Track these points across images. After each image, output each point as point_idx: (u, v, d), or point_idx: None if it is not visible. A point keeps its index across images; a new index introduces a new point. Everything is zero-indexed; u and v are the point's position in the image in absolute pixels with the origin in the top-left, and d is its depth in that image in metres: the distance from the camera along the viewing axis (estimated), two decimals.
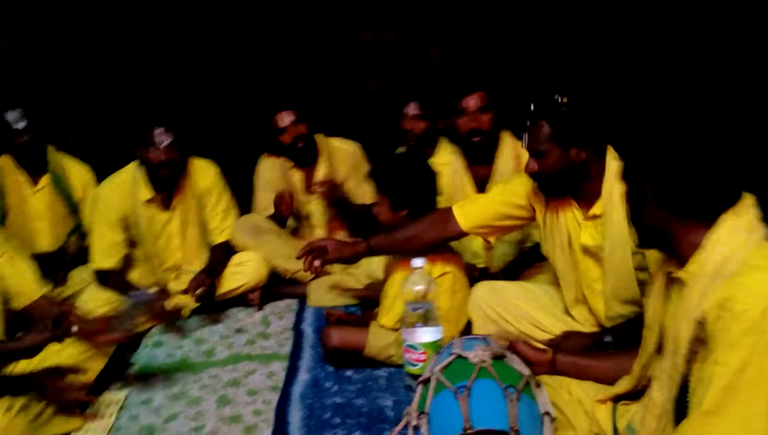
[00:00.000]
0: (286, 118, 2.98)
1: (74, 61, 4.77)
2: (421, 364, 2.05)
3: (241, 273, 2.88)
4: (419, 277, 2.06)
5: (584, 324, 2.07)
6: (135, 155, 2.71)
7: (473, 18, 4.98)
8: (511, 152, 2.63)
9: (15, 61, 4.82)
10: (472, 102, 2.54)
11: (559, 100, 1.83)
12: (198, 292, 2.63)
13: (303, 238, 3.15)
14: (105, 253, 2.73)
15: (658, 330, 1.44)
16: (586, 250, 1.98)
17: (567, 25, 4.49)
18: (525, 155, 2.52)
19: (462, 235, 2.17)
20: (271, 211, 3.12)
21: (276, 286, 3.01)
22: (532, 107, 1.89)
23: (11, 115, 2.74)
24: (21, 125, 2.76)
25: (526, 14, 4.71)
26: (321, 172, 3.12)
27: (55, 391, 1.95)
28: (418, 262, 2.06)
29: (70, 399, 1.97)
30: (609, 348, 1.92)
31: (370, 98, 5.30)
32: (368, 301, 2.72)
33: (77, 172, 3.03)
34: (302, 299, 2.98)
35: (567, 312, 2.11)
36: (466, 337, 1.94)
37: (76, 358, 2.19)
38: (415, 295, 2.06)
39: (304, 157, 3.10)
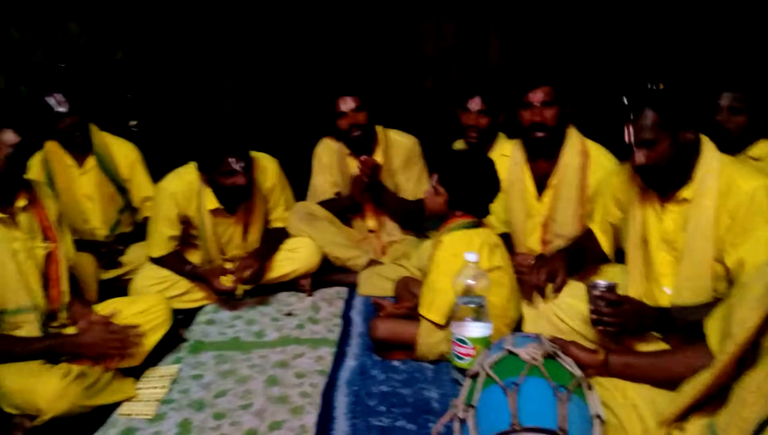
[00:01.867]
0: (348, 103, 3.00)
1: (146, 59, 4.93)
2: (469, 359, 2.05)
3: (294, 259, 2.92)
4: (472, 271, 2.05)
5: None
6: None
7: (535, 11, 4.92)
8: (578, 148, 2.57)
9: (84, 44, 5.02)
10: (537, 96, 2.51)
11: (655, 86, 1.82)
12: (246, 274, 2.67)
13: (355, 228, 3.17)
14: (161, 245, 2.80)
15: (746, 342, 1.32)
16: (664, 240, 1.97)
17: (630, 16, 4.41)
18: (593, 151, 2.52)
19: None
20: (328, 194, 3.15)
21: (326, 274, 3.04)
22: (625, 101, 1.87)
23: (52, 100, 2.81)
24: (63, 109, 2.83)
25: (589, 5, 4.64)
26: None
27: (101, 343, 2.05)
28: (471, 256, 2.05)
29: (118, 347, 2.07)
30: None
31: (427, 94, 5.31)
32: None
33: (122, 151, 3.09)
34: (352, 287, 3.01)
35: None
36: (518, 334, 1.93)
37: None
38: (467, 289, 2.05)
39: (361, 146, 3.11)
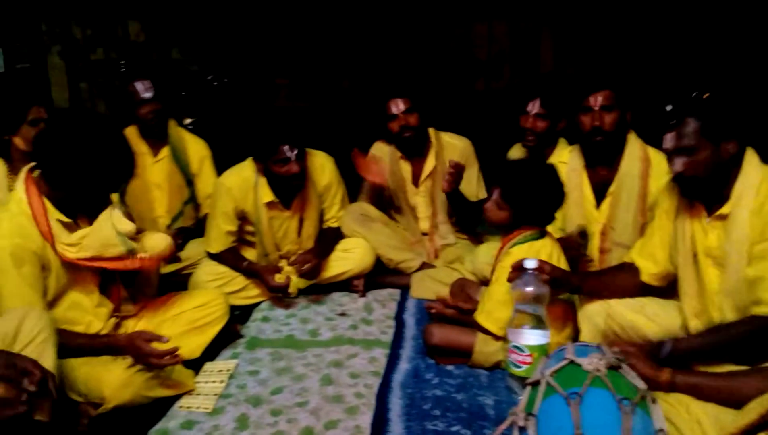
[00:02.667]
0: (399, 106, 3.00)
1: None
2: (525, 367, 2.04)
3: (348, 259, 2.95)
4: (532, 279, 2.03)
5: None
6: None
7: (589, 12, 4.86)
8: (638, 154, 2.52)
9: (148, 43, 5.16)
10: (597, 100, 2.47)
11: (701, 95, 1.78)
12: (304, 268, 2.73)
13: (408, 230, 3.18)
14: (219, 240, 2.87)
15: None
16: (710, 256, 1.92)
17: (689, 19, 4.32)
18: (654, 158, 2.47)
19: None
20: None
21: (380, 275, 3.06)
22: (668, 108, 1.84)
23: (139, 85, 2.90)
24: (148, 96, 2.91)
25: (647, 8, 4.56)
26: (429, 166, 3.13)
27: (138, 355, 2.00)
28: (530, 262, 2.04)
29: (153, 363, 1.99)
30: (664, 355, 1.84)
31: (477, 97, 5.29)
32: None
33: (195, 147, 3.16)
34: (404, 290, 3.02)
35: (685, 327, 2.03)
36: (578, 343, 1.91)
37: (192, 324, 2.33)
38: (526, 296, 2.04)
39: (412, 148, 3.12)
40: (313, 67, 5.30)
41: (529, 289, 2.03)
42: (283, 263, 2.87)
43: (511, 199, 2.24)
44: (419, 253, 3.10)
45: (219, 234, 2.86)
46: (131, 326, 2.27)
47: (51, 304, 2.01)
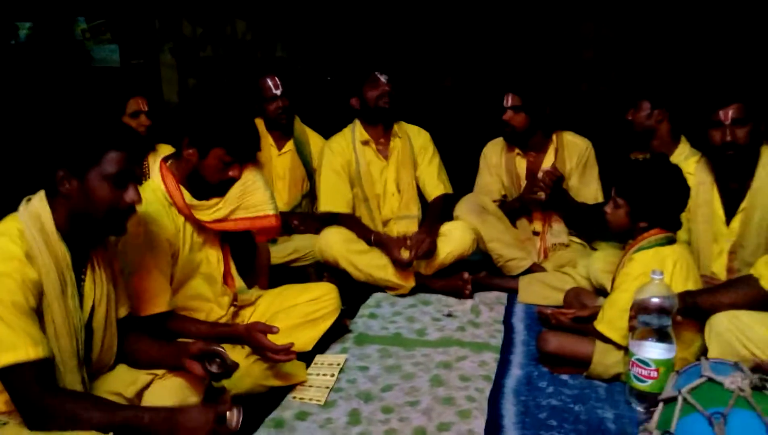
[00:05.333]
0: (508, 100, 2.98)
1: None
2: (650, 382, 1.94)
3: (448, 240, 2.96)
4: (658, 289, 1.94)
5: None
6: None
7: (708, 18, 4.62)
8: None
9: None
10: (728, 114, 2.32)
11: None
12: (421, 248, 2.80)
13: (519, 228, 3.10)
14: (332, 196, 3.00)
15: None
16: None
17: None
18: None
19: None
20: (495, 196, 3.13)
21: (487, 277, 3.00)
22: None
23: (270, 82, 2.99)
24: (278, 92, 2.99)
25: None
26: (547, 162, 3.07)
27: (255, 347, 2.05)
28: (657, 273, 1.94)
29: (268, 356, 2.03)
30: None
31: (581, 97, 5.14)
32: None
33: (316, 143, 3.27)
34: (511, 293, 2.96)
35: None
36: (713, 360, 1.80)
37: (305, 317, 2.35)
38: (651, 307, 1.94)
39: (524, 143, 3.08)
40: (414, 65, 5.30)
41: (656, 299, 1.93)
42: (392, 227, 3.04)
43: (627, 194, 2.15)
44: (529, 253, 3.02)
45: (330, 189, 3.02)
46: (247, 316, 2.32)
47: (175, 291, 2.08)
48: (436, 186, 3.12)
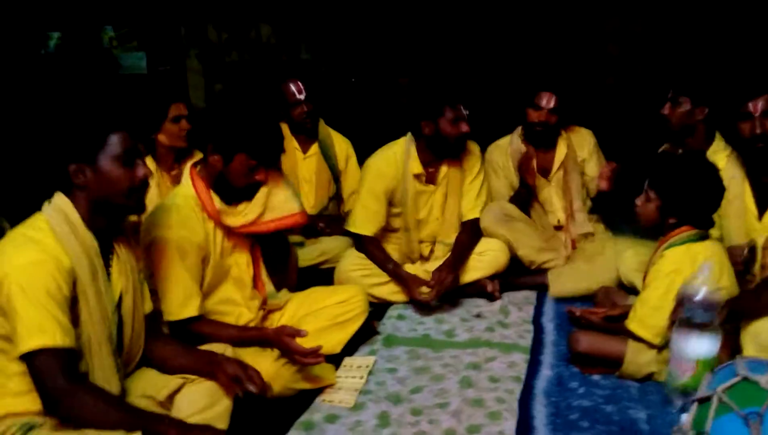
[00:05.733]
0: (546, 101, 2.94)
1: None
2: (688, 376, 1.90)
3: (482, 263, 2.90)
4: (703, 283, 1.89)
5: None
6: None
7: (736, 12, 4.53)
8: None
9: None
10: (758, 106, 2.27)
11: None
12: (442, 288, 2.70)
13: (541, 224, 3.07)
14: (367, 220, 2.86)
15: None
16: None
17: None
18: None
19: None
20: (503, 198, 3.09)
21: (514, 276, 2.98)
22: None
23: (293, 87, 3.00)
24: (302, 97, 3.00)
25: None
26: (560, 155, 3.07)
27: (284, 350, 2.05)
28: (705, 267, 1.90)
29: (297, 359, 2.02)
30: None
31: (607, 91, 5.08)
32: None
33: (341, 145, 3.26)
34: (541, 290, 2.95)
35: None
36: (749, 358, 1.77)
37: (333, 319, 2.35)
38: (698, 300, 1.89)
39: (544, 140, 3.06)
40: (436, 66, 5.28)
41: (700, 295, 1.89)
42: (422, 265, 2.90)
43: (660, 187, 2.11)
44: (558, 250, 3.00)
45: (366, 214, 2.86)
46: (276, 319, 2.32)
47: (205, 296, 2.09)
48: (471, 208, 2.96)
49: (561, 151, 3.08)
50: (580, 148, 3.11)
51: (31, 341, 1.47)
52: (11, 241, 1.58)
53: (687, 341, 1.90)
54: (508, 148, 3.15)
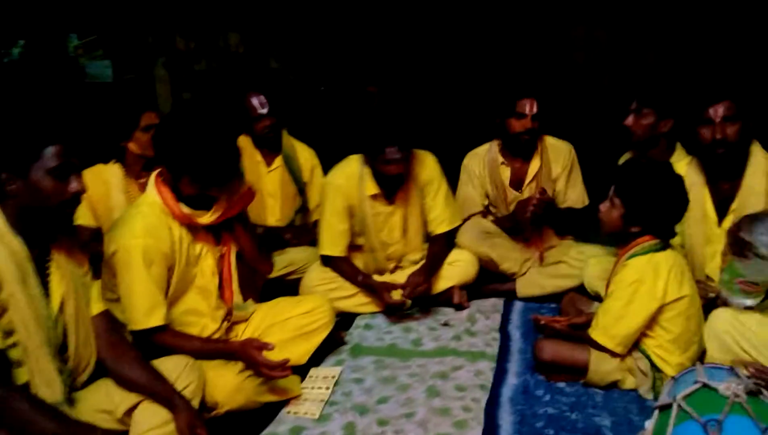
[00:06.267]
0: (532, 107, 2.90)
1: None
2: (755, 294, 2.03)
3: (452, 274, 2.89)
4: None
5: None
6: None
7: (699, 19, 4.64)
8: (763, 168, 2.35)
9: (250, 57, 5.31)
10: (718, 111, 2.31)
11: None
12: (416, 292, 2.68)
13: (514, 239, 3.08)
14: (333, 241, 2.81)
15: None
16: None
17: None
18: None
19: None
20: (473, 208, 3.09)
21: (485, 284, 3.00)
22: None
23: (255, 101, 2.96)
24: (264, 111, 2.96)
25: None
26: (534, 168, 3.04)
27: (250, 363, 2.02)
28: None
29: (263, 373, 2.00)
30: None
31: (573, 99, 5.14)
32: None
33: (305, 156, 3.20)
34: (508, 297, 2.97)
35: None
36: (708, 365, 1.79)
37: (299, 330, 2.33)
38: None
39: (524, 151, 3.03)
40: (406, 74, 5.30)
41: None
42: (391, 275, 2.87)
43: (624, 193, 2.11)
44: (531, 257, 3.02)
45: (333, 234, 2.81)
46: (241, 330, 2.30)
47: (169, 305, 2.06)
48: (440, 223, 2.90)
49: (535, 165, 3.05)
50: (554, 162, 3.06)
51: None
52: None
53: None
54: (485, 156, 3.13)
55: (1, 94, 4.14)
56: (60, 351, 1.68)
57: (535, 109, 2.90)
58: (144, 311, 1.97)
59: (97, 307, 1.81)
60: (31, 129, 1.61)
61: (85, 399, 1.74)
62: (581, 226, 3.06)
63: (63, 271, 1.71)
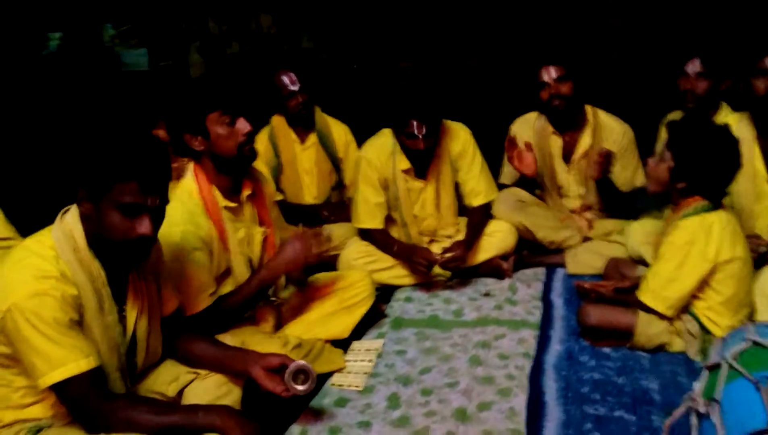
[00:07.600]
0: (551, 73, 2.80)
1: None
2: None
3: (491, 244, 2.86)
4: None
5: None
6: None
7: None
8: None
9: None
10: None
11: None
12: (452, 265, 2.66)
13: (553, 209, 3.02)
14: (369, 213, 2.80)
15: None
16: None
17: None
18: None
19: None
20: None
21: (530, 256, 2.97)
22: None
23: (286, 78, 2.96)
24: (295, 88, 2.96)
25: None
26: (584, 143, 2.93)
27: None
28: None
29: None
30: None
31: (613, 65, 5.00)
32: None
33: (339, 132, 3.20)
34: (550, 268, 2.92)
35: None
36: (759, 323, 1.74)
37: (340, 304, 2.34)
38: None
39: (565, 121, 2.92)
40: (439, 48, 5.23)
41: None
42: (433, 246, 2.85)
43: (677, 148, 2.03)
44: (576, 228, 2.95)
45: (368, 207, 2.80)
46: (284, 309, 2.31)
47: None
48: (476, 195, 2.86)
49: (585, 141, 2.94)
50: (606, 140, 2.91)
51: (54, 375, 1.46)
52: (17, 262, 1.52)
53: None
54: (534, 123, 3.04)
55: (89, 115, 4.13)
56: (128, 368, 1.68)
57: (556, 74, 2.79)
58: (194, 295, 1.98)
59: (170, 305, 1.82)
60: (109, 160, 1.50)
61: (139, 385, 1.75)
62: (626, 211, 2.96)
63: (137, 290, 1.69)
